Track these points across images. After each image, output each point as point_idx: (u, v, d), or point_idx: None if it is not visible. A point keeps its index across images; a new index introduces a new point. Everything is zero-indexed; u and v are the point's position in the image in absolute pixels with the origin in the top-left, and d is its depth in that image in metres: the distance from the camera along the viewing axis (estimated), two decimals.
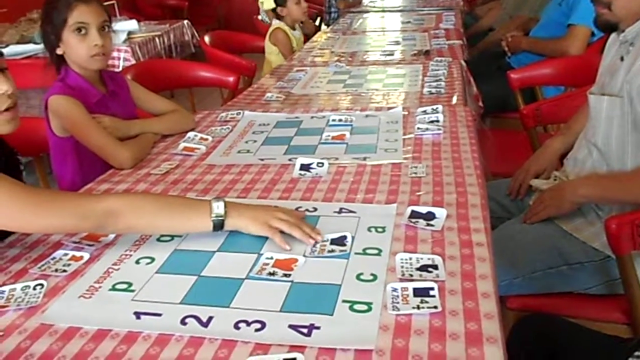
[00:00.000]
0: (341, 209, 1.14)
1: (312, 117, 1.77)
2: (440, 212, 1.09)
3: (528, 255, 1.40)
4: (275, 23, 3.26)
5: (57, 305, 0.87)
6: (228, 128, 1.71)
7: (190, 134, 1.63)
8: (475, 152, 1.41)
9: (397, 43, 3.05)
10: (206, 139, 1.62)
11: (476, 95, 2.51)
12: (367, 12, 4.37)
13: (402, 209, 1.12)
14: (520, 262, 1.38)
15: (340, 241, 1.01)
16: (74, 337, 0.80)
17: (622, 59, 1.36)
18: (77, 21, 1.48)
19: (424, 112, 1.73)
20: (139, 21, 3.67)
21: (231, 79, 2.65)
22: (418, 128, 1.59)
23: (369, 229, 1.05)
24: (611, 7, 1.30)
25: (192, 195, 1.25)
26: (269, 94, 2.12)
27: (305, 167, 1.34)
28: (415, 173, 1.29)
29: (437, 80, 2.19)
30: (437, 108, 1.73)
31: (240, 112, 1.84)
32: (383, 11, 4.38)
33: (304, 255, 0.98)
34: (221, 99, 3.13)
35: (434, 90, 2.05)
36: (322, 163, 1.35)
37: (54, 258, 1.01)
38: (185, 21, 4.16)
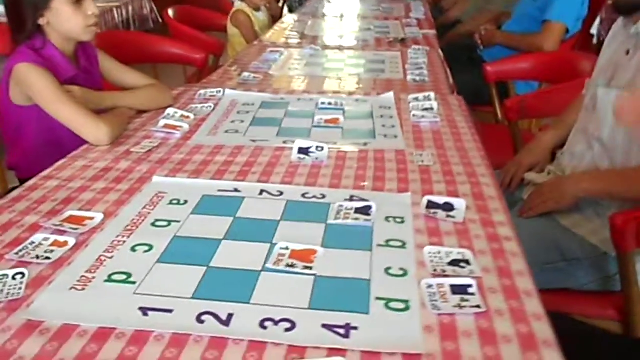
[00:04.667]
0: (352, 196, 1.05)
1: (299, 99, 1.67)
2: (459, 203, 1.02)
3: (525, 250, 1.36)
4: (238, 4, 3.11)
5: (44, 298, 0.75)
6: (210, 106, 1.58)
7: (170, 111, 1.50)
8: (478, 142, 1.35)
9: (369, 29, 2.98)
10: (188, 117, 1.49)
11: (452, 86, 2.48)
12: None
13: (416, 198, 1.05)
14: None
15: (365, 210, 0.98)
16: (70, 336, 0.68)
17: (627, 52, 1.34)
18: None
19: (416, 99, 1.66)
20: None
21: (198, 56, 2.51)
22: (414, 115, 1.52)
23: (386, 219, 0.97)
24: None
25: (183, 176, 1.14)
26: (245, 74, 2.00)
27: (303, 151, 1.25)
28: (422, 161, 1.22)
29: (419, 69, 2.13)
30: (429, 95, 1.66)
31: (220, 90, 1.72)
32: None
33: (323, 246, 0.89)
34: (184, 77, 2.97)
35: (417, 79, 1.99)
36: (322, 147, 1.26)
37: (32, 243, 0.87)
38: None
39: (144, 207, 1.00)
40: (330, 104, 1.62)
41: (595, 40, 4.32)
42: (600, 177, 1.34)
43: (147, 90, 1.55)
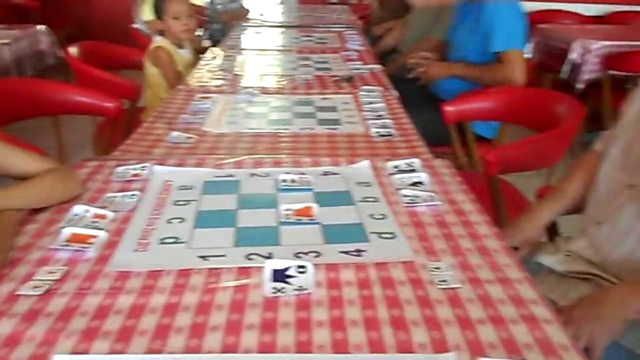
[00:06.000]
0: None
1: (252, 175, 1.30)
2: None
3: None
4: (157, 40, 2.63)
5: None
6: (134, 196, 1.17)
7: (79, 210, 1.07)
8: (495, 228, 1.04)
9: (308, 66, 2.64)
10: (104, 216, 1.07)
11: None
12: (261, 26, 3.91)
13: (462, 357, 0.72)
14: None
15: None
16: None
17: None
18: None
19: (396, 167, 1.34)
20: None
21: (111, 104, 2.08)
22: (404, 196, 1.18)
23: None
24: None
25: (101, 346, 0.73)
26: (174, 133, 1.61)
27: (280, 277, 0.87)
28: (446, 281, 0.88)
29: (379, 118, 1.82)
30: (412, 162, 1.34)
31: (145, 166, 1.31)
32: (281, 26, 3.93)
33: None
34: (94, 128, 2.50)
35: (383, 132, 1.68)
36: (304, 267, 0.89)
37: None
38: (43, 26, 3.34)
39: None
40: (293, 181, 1.25)
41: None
42: None
43: (45, 180, 1.10)
